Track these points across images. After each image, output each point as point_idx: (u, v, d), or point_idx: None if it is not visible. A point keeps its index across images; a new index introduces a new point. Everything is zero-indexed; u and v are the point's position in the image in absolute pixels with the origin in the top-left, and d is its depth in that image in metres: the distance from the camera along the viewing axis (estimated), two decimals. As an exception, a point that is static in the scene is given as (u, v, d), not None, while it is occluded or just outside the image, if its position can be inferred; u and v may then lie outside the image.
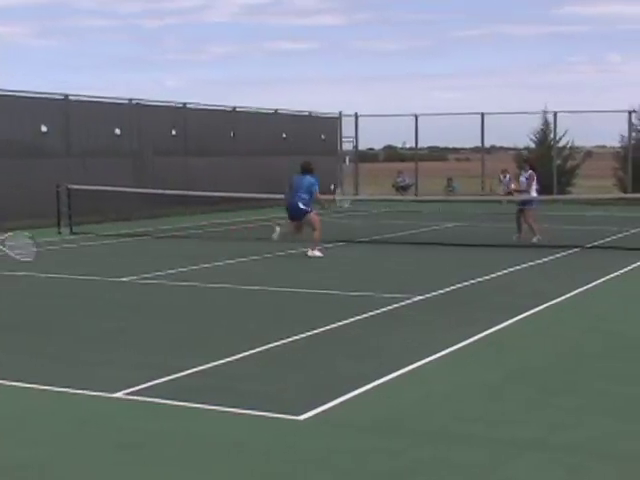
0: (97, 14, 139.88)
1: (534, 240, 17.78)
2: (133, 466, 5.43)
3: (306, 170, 16.58)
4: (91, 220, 23.30)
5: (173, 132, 27.20)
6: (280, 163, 30.90)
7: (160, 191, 23.38)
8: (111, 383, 7.16)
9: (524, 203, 18.20)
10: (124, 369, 7.69)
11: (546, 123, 33.96)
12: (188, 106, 27.99)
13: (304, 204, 16.16)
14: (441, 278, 13.04)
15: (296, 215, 16.27)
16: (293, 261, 15.63)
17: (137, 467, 5.41)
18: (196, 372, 7.54)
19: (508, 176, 25.01)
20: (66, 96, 24.08)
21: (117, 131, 25.23)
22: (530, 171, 18.21)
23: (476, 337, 8.85)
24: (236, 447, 5.73)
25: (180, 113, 27.56)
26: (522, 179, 18.41)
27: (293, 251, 16.67)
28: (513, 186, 19.45)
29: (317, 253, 15.96)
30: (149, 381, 7.18)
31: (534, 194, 18.25)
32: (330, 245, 17.75)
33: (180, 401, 6.65)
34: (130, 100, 25.88)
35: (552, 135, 33.21)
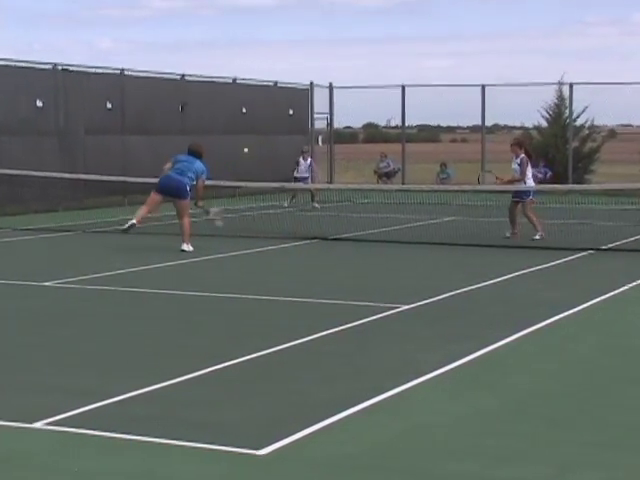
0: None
1: (536, 237, 18.00)
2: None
3: (196, 153, 17.02)
4: (7, 211, 23.18)
5: (108, 105, 27.08)
6: (239, 143, 30.87)
7: (93, 177, 23.30)
8: (27, 411, 7.12)
9: (518, 194, 18.42)
10: (44, 394, 7.66)
11: (560, 97, 34.13)
12: (126, 73, 27.86)
13: (189, 187, 16.66)
14: (431, 284, 13.10)
15: (173, 192, 16.63)
16: (257, 261, 15.65)
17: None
18: (133, 397, 7.53)
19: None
20: (-26, 59, 23.93)
21: (39, 103, 25.07)
22: (522, 155, 18.34)
23: (471, 356, 8.90)
24: (180, 489, 5.72)
25: (117, 82, 27.44)
26: (514, 166, 18.51)
27: (260, 249, 16.68)
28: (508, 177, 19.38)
29: (190, 247, 16.38)
30: (75, 408, 7.16)
31: (530, 182, 18.45)
32: (299, 243, 17.80)
33: (114, 433, 6.64)
34: (54, 65, 25.72)
35: (568, 112, 33.40)
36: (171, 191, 16.66)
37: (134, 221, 16.47)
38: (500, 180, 19.08)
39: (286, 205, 26.06)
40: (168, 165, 16.98)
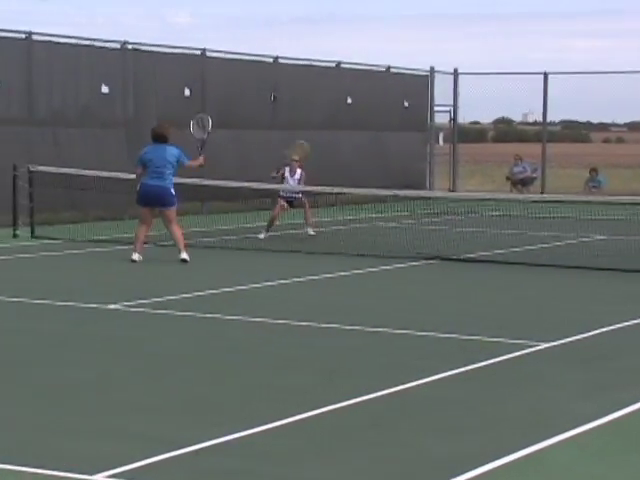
0: None
1: None
2: None
3: (162, 138, 17.40)
4: (63, 219, 23.46)
5: (186, 92, 27.37)
6: (342, 140, 30.92)
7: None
8: (88, 460, 7.19)
9: None
10: (106, 439, 7.73)
11: None
12: (208, 54, 28.15)
13: (173, 189, 17.25)
14: (579, 317, 13.01)
15: (158, 203, 17.21)
16: (363, 284, 15.68)
17: None
18: (210, 447, 7.55)
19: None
20: (28, 34, 24.23)
21: (104, 89, 25.42)
22: None
23: (630, 408, 8.77)
24: None
25: (196, 64, 27.73)
26: None
27: (359, 271, 16.67)
28: None
29: (187, 255, 16.98)
30: (142, 459, 7.20)
31: None
32: (415, 263, 17.73)
33: (187, 490, 6.67)
34: (123, 44, 26.06)
35: None
36: (155, 202, 17.21)
37: (135, 257, 17.03)
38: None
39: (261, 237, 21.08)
40: (139, 170, 17.47)
